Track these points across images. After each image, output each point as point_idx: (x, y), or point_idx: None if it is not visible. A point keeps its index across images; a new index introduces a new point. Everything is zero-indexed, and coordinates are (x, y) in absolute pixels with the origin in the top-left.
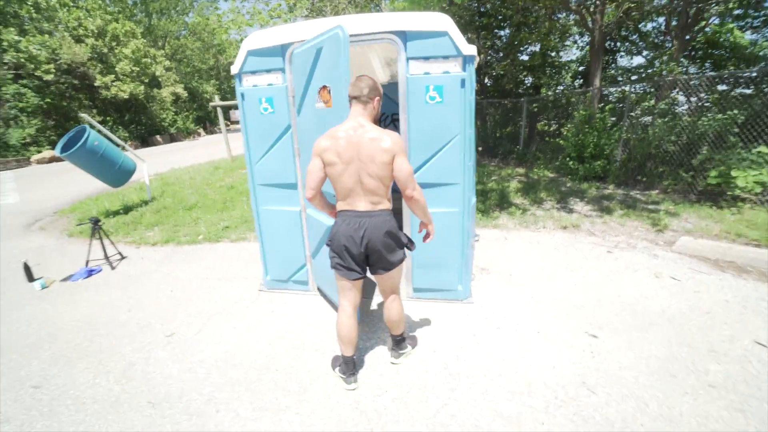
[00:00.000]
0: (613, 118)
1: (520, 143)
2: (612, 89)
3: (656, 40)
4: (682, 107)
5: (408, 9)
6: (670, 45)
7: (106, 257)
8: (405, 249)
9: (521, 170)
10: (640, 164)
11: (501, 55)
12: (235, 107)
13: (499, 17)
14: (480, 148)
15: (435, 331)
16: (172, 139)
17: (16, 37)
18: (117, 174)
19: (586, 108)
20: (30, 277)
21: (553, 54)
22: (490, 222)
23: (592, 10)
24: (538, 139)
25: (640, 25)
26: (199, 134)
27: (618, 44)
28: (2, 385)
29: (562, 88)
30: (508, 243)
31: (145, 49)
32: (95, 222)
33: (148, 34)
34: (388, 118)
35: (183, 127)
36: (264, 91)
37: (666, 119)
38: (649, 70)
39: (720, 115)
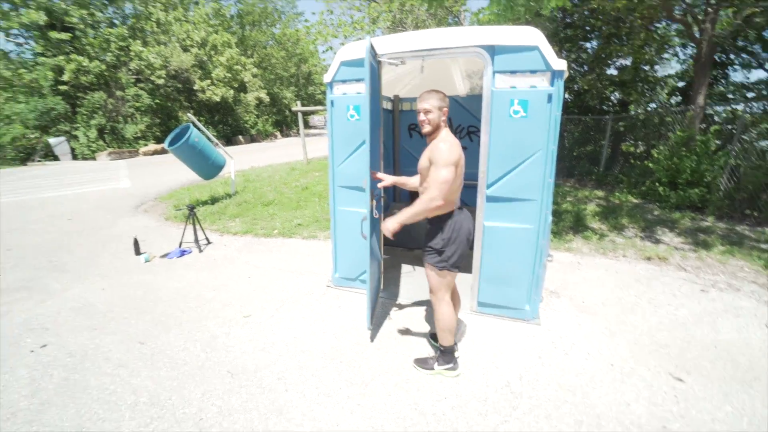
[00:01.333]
0: (718, 142)
1: (600, 164)
2: (719, 108)
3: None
4: None
5: (493, 21)
6: None
7: (197, 240)
8: None
9: (600, 193)
10: (753, 196)
11: (585, 68)
12: (314, 113)
13: (587, 28)
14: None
15: (498, 347)
16: (252, 139)
17: (141, 48)
18: (209, 168)
19: (684, 129)
20: (137, 251)
21: (647, 68)
22: (563, 245)
23: (701, 18)
24: (621, 160)
25: (765, 33)
26: (275, 136)
27: (732, 56)
28: (118, 338)
29: (654, 106)
30: (581, 268)
31: (238, 57)
32: (191, 209)
33: (241, 44)
34: (464, 130)
35: (263, 129)
36: (352, 99)
37: None
38: None
39: None
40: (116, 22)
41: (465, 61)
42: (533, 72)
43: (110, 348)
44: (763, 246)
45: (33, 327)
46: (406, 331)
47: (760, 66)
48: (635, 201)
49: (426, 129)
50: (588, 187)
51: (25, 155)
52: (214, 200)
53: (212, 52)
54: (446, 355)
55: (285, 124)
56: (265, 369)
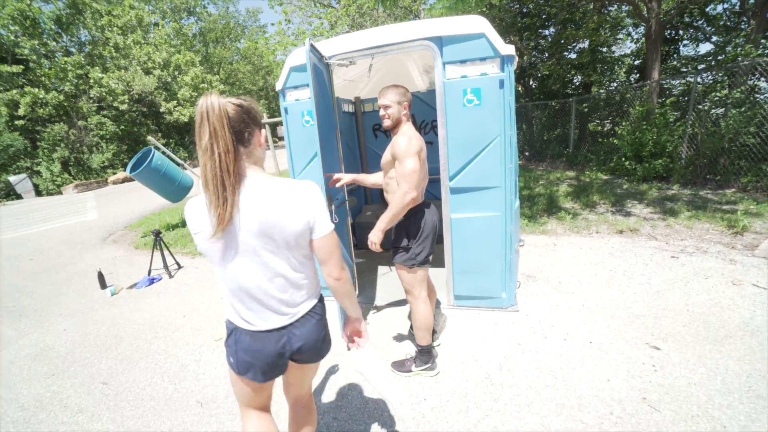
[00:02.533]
0: (676, 113)
1: (569, 145)
2: (674, 81)
3: (729, 23)
4: (765, 94)
5: (445, 15)
6: (745, 26)
7: (166, 266)
8: None
9: (571, 173)
10: (711, 161)
11: (546, 55)
12: (281, 123)
13: (543, 16)
14: (527, 153)
15: (477, 339)
16: None
17: (100, 75)
18: (176, 190)
19: (643, 103)
20: (103, 285)
21: (603, 50)
22: (538, 228)
23: None
24: (589, 140)
25: (708, 9)
26: None
27: (680, 32)
28: (78, 380)
29: (615, 85)
30: (557, 249)
31: (203, 75)
32: (157, 234)
33: (206, 61)
34: (428, 126)
35: None
36: (306, 104)
37: (743, 109)
38: (720, 57)
39: None
40: (72, 50)
41: (420, 56)
42: (483, 59)
43: (69, 394)
44: (725, 207)
45: None
46: (383, 335)
47: (707, 39)
48: (605, 177)
49: (386, 123)
50: (560, 169)
51: None
52: (184, 222)
53: (176, 73)
54: (423, 355)
55: None
56: None
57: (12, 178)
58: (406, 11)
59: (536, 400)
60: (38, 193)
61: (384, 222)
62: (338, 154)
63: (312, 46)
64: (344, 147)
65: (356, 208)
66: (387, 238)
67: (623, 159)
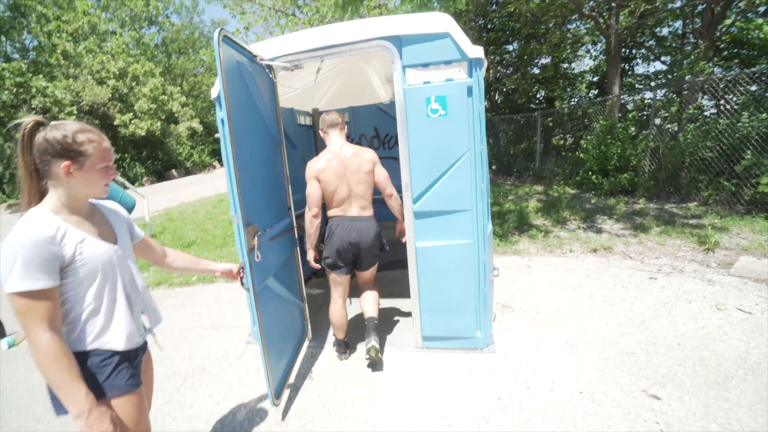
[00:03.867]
0: (634, 128)
1: (536, 159)
2: (633, 96)
3: (674, 44)
4: (711, 110)
5: None
6: (690, 48)
7: None
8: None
9: (539, 188)
10: (673, 174)
11: (511, 70)
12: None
13: (507, 31)
14: (494, 167)
15: (450, 393)
16: (188, 172)
17: (44, 83)
18: None
19: (606, 118)
20: (1, 334)
21: (565, 65)
22: (510, 247)
23: (606, 15)
24: (554, 154)
25: (656, 30)
26: (214, 167)
27: (633, 51)
28: None
29: (576, 100)
30: (531, 272)
31: (163, 86)
32: None
33: (168, 73)
34: (392, 139)
35: (198, 161)
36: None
37: (698, 123)
38: (671, 75)
39: (765, 115)
40: (15, 56)
41: (381, 64)
42: (448, 63)
43: None
44: (692, 222)
45: None
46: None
47: (657, 59)
48: (572, 191)
49: None
50: (527, 184)
51: None
52: None
53: (133, 83)
54: (337, 346)
55: None
56: None
57: None
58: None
59: None
60: None
61: (308, 242)
62: (284, 172)
63: (227, 38)
64: (300, 162)
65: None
66: None
67: (590, 173)
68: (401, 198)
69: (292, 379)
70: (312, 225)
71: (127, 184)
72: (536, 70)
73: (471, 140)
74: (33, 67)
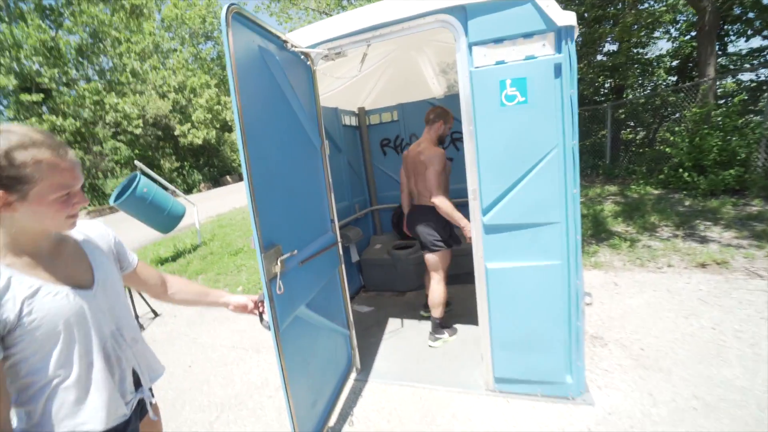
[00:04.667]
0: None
1: (606, 156)
2: (725, 81)
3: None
4: None
5: None
6: None
7: (136, 317)
8: (443, 243)
9: (612, 188)
10: None
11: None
12: None
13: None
14: None
15: None
16: (241, 178)
17: (116, 100)
18: (166, 220)
19: (701, 105)
20: None
21: (637, 50)
22: (588, 260)
23: None
24: (624, 149)
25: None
26: None
27: (726, 27)
28: None
29: (650, 87)
30: (621, 292)
31: (218, 97)
32: None
33: (222, 84)
34: (447, 138)
35: None
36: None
37: None
38: None
39: None
40: (95, 78)
41: (436, 52)
42: (528, 35)
43: None
44: None
45: None
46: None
47: (757, 33)
48: (656, 192)
49: None
50: (597, 184)
51: None
52: (177, 255)
53: (191, 95)
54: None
55: None
56: None
57: None
58: None
59: None
60: None
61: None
62: (325, 179)
63: (241, 16)
64: (346, 167)
65: (363, 241)
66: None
67: (680, 170)
68: (469, 208)
69: (332, 422)
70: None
71: (178, 191)
72: (600, 57)
73: (560, 133)
74: (107, 86)
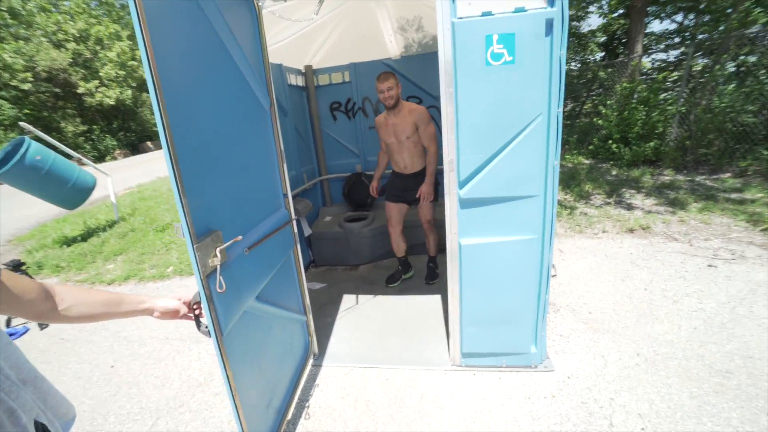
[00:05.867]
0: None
1: None
2: (661, 55)
3: None
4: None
5: None
6: None
7: None
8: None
9: None
10: (705, 143)
11: None
12: None
13: None
14: None
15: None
16: None
17: None
18: (70, 193)
19: (629, 80)
20: None
21: (573, 23)
22: None
23: None
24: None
25: None
26: None
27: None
28: None
29: (578, 61)
30: (566, 258)
31: (133, 51)
32: (16, 266)
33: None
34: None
35: None
36: None
37: (734, 85)
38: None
39: None
40: None
41: (397, 5)
42: None
43: None
44: (734, 196)
45: None
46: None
47: (676, 12)
48: (587, 161)
49: (391, 102)
50: None
51: None
52: (88, 234)
53: (97, 47)
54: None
55: None
56: None
57: None
58: None
59: None
60: None
61: (433, 176)
62: (276, 146)
63: None
64: (293, 132)
65: (311, 214)
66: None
67: (609, 141)
68: (444, 178)
69: (290, 415)
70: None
71: (86, 160)
72: None
73: (546, 99)
74: None
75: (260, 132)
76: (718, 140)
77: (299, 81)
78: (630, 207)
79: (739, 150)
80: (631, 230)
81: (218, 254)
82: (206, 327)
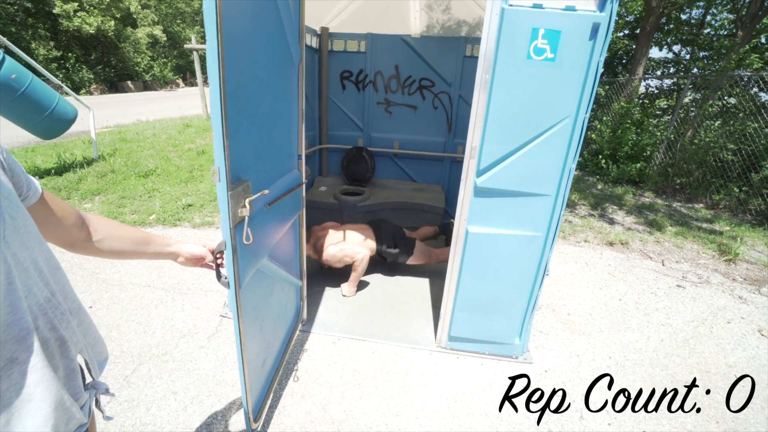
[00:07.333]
0: (654, 117)
1: None
2: (659, 82)
3: (691, 33)
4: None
5: None
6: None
7: None
8: None
9: None
10: (685, 172)
11: None
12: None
13: None
14: None
15: (489, 418)
16: (146, 87)
17: None
18: (47, 122)
19: (628, 100)
20: None
21: None
22: None
23: None
24: None
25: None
26: (177, 85)
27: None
28: None
29: None
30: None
31: None
32: None
33: None
34: (414, 84)
35: (159, 75)
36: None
37: (718, 123)
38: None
39: None
40: None
41: None
42: None
43: None
44: (705, 226)
45: None
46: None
47: (672, 43)
48: (576, 173)
49: None
50: None
51: None
52: (62, 169)
53: None
54: None
55: (189, 70)
56: None
57: None
58: None
59: None
60: None
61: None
62: (299, 103)
63: None
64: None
65: (308, 182)
66: None
67: (599, 156)
68: (464, 164)
69: (279, 376)
70: None
71: (67, 89)
72: None
73: (577, 103)
74: None
75: (287, 86)
76: (698, 171)
77: (313, 42)
78: (612, 221)
79: (714, 184)
80: (611, 243)
81: (247, 205)
82: (226, 278)
